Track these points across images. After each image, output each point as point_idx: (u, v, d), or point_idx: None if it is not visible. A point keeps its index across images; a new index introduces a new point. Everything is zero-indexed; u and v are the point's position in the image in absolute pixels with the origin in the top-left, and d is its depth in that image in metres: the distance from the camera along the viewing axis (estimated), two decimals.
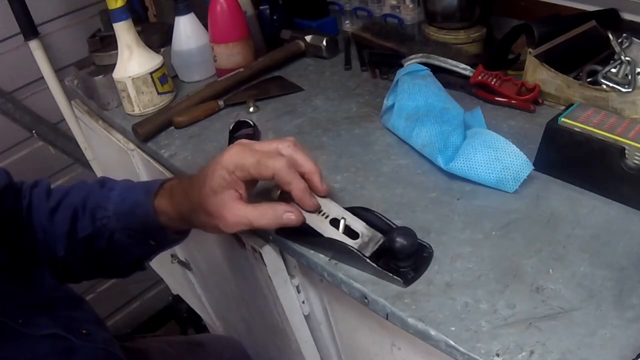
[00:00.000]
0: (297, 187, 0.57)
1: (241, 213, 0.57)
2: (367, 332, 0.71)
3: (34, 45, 1.21)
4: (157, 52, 1.01)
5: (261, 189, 0.65)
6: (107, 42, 1.08)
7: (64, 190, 0.70)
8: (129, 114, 1.00)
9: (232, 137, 0.86)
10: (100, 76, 1.01)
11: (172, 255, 1.17)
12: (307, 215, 0.62)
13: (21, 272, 0.63)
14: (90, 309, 0.69)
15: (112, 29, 0.94)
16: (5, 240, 0.63)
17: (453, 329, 0.52)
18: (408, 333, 0.55)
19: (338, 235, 0.61)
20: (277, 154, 0.57)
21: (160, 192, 0.65)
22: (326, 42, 1.08)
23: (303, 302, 0.80)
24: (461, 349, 0.50)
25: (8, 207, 0.66)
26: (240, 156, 0.56)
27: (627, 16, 0.88)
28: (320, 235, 0.61)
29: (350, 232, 0.62)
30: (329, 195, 0.62)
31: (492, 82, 0.84)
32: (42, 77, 1.27)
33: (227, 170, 0.56)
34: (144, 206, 0.64)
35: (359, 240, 0.61)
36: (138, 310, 1.87)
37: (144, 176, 1.04)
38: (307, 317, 0.83)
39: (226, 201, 0.57)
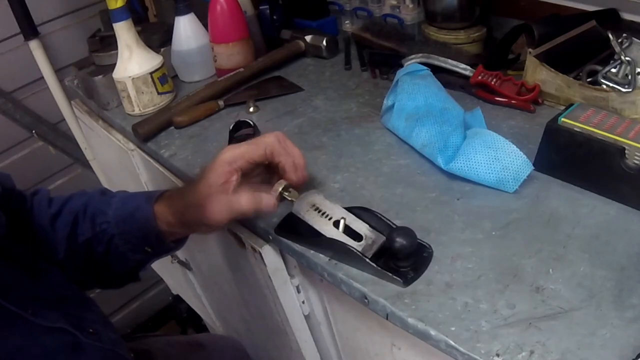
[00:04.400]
0: (288, 160, 0.63)
1: (222, 200, 0.60)
2: (367, 332, 0.71)
3: (34, 45, 1.21)
4: (157, 52, 1.01)
5: None
6: (107, 42, 1.08)
7: (65, 198, 0.71)
8: (129, 114, 1.00)
9: (232, 137, 0.86)
10: (100, 76, 1.01)
11: (172, 255, 1.17)
12: (308, 215, 0.62)
13: (31, 266, 0.64)
14: (99, 310, 0.70)
15: (112, 29, 0.94)
16: (14, 236, 0.64)
17: (453, 329, 0.52)
18: (408, 333, 0.55)
19: (338, 235, 0.61)
20: (268, 135, 0.64)
21: (160, 199, 0.66)
22: (326, 42, 1.08)
23: (303, 302, 0.80)
24: (461, 349, 0.50)
25: (13, 208, 0.67)
26: (236, 148, 0.62)
27: (627, 16, 0.88)
28: (320, 235, 0.62)
29: (351, 233, 0.62)
30: (327, 193, 0.62)
31: (492, 82, 0.84)
32: (42, 77, 1.27)
33: (227, 162, 0.61)
34: (144, 211, 0.66)
35: (362, 243, 0.61)
36: (138, 310, 1.87)
37: (144, 176, 1.04)
38: (307, 317, 0.83)
39: (213, 193, 0.61)
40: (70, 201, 0.71)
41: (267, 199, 0.61)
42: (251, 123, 0.88)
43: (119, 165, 1.13)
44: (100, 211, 0.68)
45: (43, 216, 0.69)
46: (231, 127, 0.87)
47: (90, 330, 0.63)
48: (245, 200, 0.60)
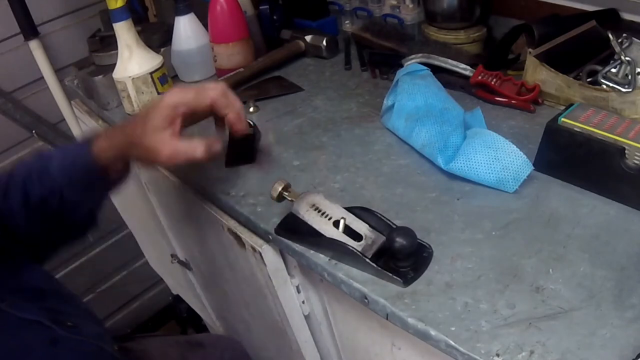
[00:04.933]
0: (233, 111, 0.67)
1: (174, 147, 0.63)
2: (367, 332, 0.71)
3: (34, 45, 1.21)
4: (157, 52, 1.01)
5: None
6: (107, 42, 1.08)
7: (7, 171, 0.72)
8: (129, 114, 1.00)
9: (232, 137, 0.86)
10: (100, 76, 1.01)
11: (172, 255, 1.17)
12: (308, 215, 0.62)
13: (9, 260, 0.64)
14: (83, 305, 0.70)
15: (112, 29, 0.94)
16: None
17: (453, 329, 0.52)
18: (408, 333, 0.55)
19: (338, 235, 0.61)
20: (212, 87, 0.67)
21: (97, 139, 0.68)
22: (326, 42, 1.08)
23: (303, 302, 0.80)
24: (461, 349, 0.50)
25: None
26: (181, 93, 0.65)
27: (627, 16, 0.88)
28: (320, 235, 0.62)
29: (351, 233, 0.62)
30: (327, 193, 0.62)
31: (492, 82, 0.84)
32: (42, 77, 1.27)
33: (170, 107, 0.63)
34: (84, 156, 0.67)
35: (362, 243, 0.61)
36: (138, 310, 1.87)
37: (144, 176, 1.04)
38: (307, 317, 0.83)
39: (165, 138, 0.63)
40: (14, 172, 0.71)
41: (214, 145, 0.64)
42: (251, 123, 0.87)
43: None
44: (45, 169, 0.69)
45: None
46: None
47: (69, 323, 0.63)
48: (196, 148, 0.63)
